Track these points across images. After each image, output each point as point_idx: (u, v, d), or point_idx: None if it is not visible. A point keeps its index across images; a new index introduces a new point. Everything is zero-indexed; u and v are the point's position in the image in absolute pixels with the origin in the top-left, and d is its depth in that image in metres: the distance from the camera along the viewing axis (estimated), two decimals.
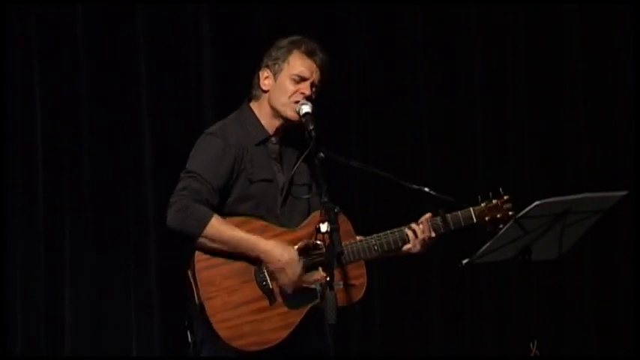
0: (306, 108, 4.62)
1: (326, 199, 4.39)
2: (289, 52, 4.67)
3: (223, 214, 4.55)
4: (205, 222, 4.46)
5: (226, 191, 4.59)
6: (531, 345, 4.81)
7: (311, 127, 4.57)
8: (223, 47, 6.51)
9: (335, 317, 4.26)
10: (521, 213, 4.70)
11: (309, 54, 4.66)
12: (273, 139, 4.70)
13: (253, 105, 4.73)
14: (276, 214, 4.63)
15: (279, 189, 4.66)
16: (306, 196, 4.67)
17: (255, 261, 4.53)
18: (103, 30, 6.33)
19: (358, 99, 6.83)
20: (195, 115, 6.44)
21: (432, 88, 6.97)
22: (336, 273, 4.40)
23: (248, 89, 4.78)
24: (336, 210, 4.38)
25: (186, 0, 6.46)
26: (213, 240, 4.48)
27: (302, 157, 4.65)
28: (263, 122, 4.70)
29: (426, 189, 4.80)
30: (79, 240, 6.24)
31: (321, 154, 4.59)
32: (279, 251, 4.50)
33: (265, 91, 4.70)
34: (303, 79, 4.65)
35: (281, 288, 4.52)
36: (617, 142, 7.23)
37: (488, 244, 4.74)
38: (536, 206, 4.69)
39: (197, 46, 6.48)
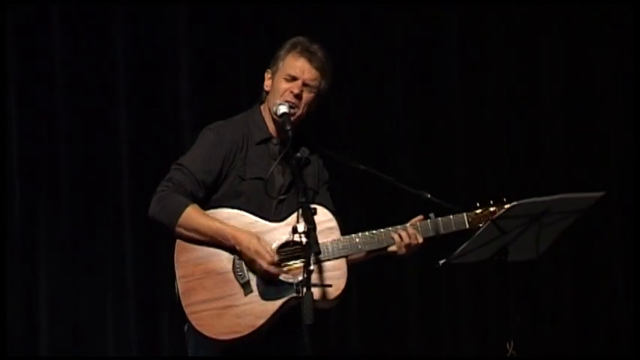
0: (283, 108, 4.62)
1: (303, 199, 4.39)
2: (287, 52, 4.70)
3: (210, 208, 4.57)
4: (180, 211, 4.49)
5: (216, 186, 4.60)
6: (508, 345, 4.82)
7: (288, 128, 4.57)
8: (201, 48, 6.52)
9: (312, 317, 4.26)
10: (499, 213, 4.70)
11: (302, 54, 4.67)
12: (274, 139, 4.70)
13: (262, 107, 4.75)
14: (269, 212, 4.62)
15: (276, 189, 4.65)
16: (302, 199, 4.61)
17: (233, 252, 4.53)
18: (80, 34, 6.32)
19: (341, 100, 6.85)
20: (172, 113, 6.44)
21: (411, 89, 6.98)
22: (315, 272, 4.40)
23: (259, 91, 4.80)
24: (313, 210, 4.37)
25: (164, 1, 6.46)
26: (188, 229, 4.51)
27: (278, 159, 4.64)
28: (268, 124, 4.71)
29: (428, 195, 4.79)
30: (55, 239, 6.23)
31: (298, 155, 4.61)
32: (253, 240, 4.49)
33: (267, 92, 4.73)
34: (294, 78, 4.65)
35: (257, 279, 4.51)
36: (597, 142, 7.26)
37: (465, 244, 4.74)
38: (513, 206, 4.69)
39: (174, 47, 6.47)
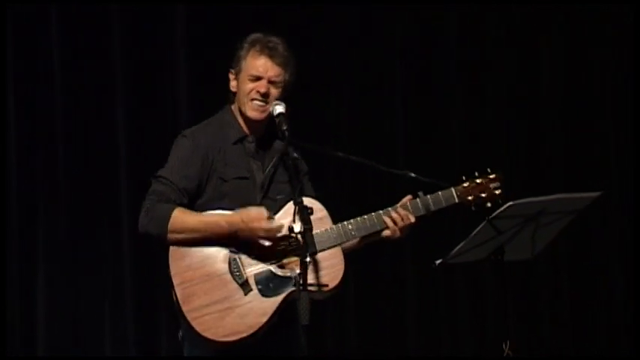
0: (280, 108, 4.62)
1: (299, 199, 4.39)
2: (247, 51, 4.68)
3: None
4: (168, 216, 4.48)
5: (199, 191, 4.60)
6: (504, 345, 4.82)
7: (284, 128, 4.57)
8: (200, 49, 6.52)
9: (308, 318, 4.25)
10: (495, 213, 4.70)
11: (263, 51, 4.66)
12: (249, 137, 4.70)
13: (233, 107, 4.75)
14: None
15: (258, 186, 4.66)
16: (281, 197, 4.64)
17: (228, 244, 4.52)
18: (78, 34, 6.33)
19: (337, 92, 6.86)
20: (171, 116, 6.44)
21: (410, 89, 6.98)
22: (311, 265, 4.39)
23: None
24: (309, 210, 4.37)
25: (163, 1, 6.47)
26: (180, 231, 4.49)
27: (275, 158, 4.65)
28: (240, 123, 4.71)
29: (412, 174, 4.77)
30: (53, 239, 6.24)
31: (295, 155, 4.61)
32: (244, 212, 4.47)
33: (235, 93, 4.72)
34: (258, 78, 4.66)
35: (255, 277, 4.50)
36: (596, 142, 7.26)
37: (461, 244, 4.75)
38: (509, 206, 4.69)
39: (173, 47, 6.48)
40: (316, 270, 4.46)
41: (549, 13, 7.23)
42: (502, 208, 4.68)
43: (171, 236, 4.49)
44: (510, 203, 4.69)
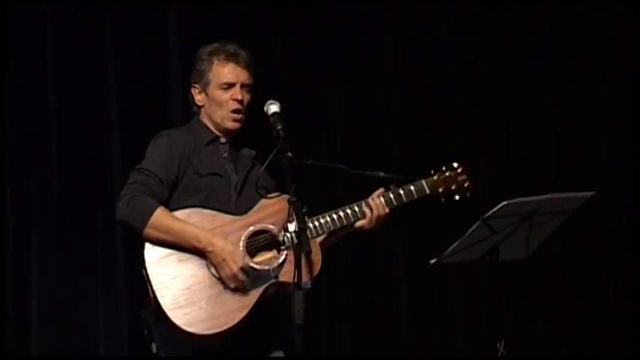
0: (274, 108, 4.62)
1: (294, 199, 4.38)
2: (211, 62, 4.71)
3: (171, 208, 4.56)
4: (150, 212, 4.48)
5: (176, 184, 4.62)
6: (498, 345, 4.83)
7: (279, 127, 4.57)
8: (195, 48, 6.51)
9: (303, 317, 4.25)
10: (489, 213, 4.71)
11: (229, 59, 4.69)
12: (222, 139, 4.73)
13: (200, 117, 4.77)
14: (230, 206, 4.63)
15: (232, 187, 4.66)
16: (294, 199, 4.60)
17: (202, 255, 4.52)
18: (72, 34, 6.32)
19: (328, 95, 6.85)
20: (163, 115, 6.44)
21: (403, 84, 6.98)
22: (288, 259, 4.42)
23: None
24: (304, 210, 4.37)
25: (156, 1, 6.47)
26: (158, 229, 4.48)
27: (271, 156, 4.63)
28: (211, 129, 4.74)
29: (381, 173, 4.78)
30: (46, 239, 6.22)
31: (289, 154, 4.61)
32: (229, 245, 4.49)
33: (201, 107, 4.76)
34: (231, 85, 4.68)
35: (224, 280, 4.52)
36: (593, 142, 7.28)
37: (455, 244, 4.75)
38: (503, 206, 4.70)
39: (166, 47, 6.48)
40: (295, 265, 4.46)
41: (549, 13, 7.22)
42: (496, 208, 4.70)
43: (148, 231, 4.49)
44: (504, 203, 4.70)
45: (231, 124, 4.69)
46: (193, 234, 4.51)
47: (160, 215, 4.50)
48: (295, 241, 4.32)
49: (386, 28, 6.99)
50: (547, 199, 4.82)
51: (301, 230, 4.31)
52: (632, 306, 7.12)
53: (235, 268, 4.46)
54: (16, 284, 6.16)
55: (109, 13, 6.38)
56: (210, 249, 4.48)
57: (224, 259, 4.47)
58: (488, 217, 4.70)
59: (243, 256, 4.49)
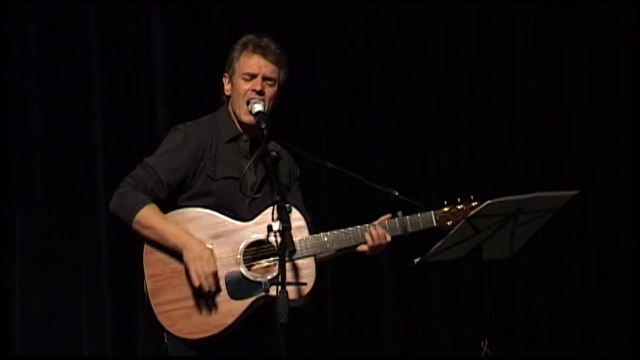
0: (258, 107, 4.64)
1: (278, 198, 4.39)
2: (240, 53, 4.73)
3: (181, 207, 4.59)
4: (138, 208, 4.52)
5: (184, 185, 4.61)
6: (482, 344, 4.83)
7: (263, 126, 4.58)
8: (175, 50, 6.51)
9: (287, 316, 4.26)
10: (473, 212, 4.71)
11: (255, 50, 4.69)
12: (244, 136, 4.72)
13: (228, 107, 4.77)
14: (242, 211, 4.62)
15: (248, 187, 4.65)
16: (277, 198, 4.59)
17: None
18: (54, 34, 6.30)
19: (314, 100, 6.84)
20: (147, 115, 6.43)
21: (386, 86, 6.98)
22: (287, 270, 4.40)
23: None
24: (287, 208, 4.37)
25: (139, 1, 6.44)
26: (144, 227, 4.53)
27: (254, 157, 4.64)
28: (235, 122, 4.74)
29: (396, 193, 4.80)
30: (29, 236, 6.21)
31: (274, 153, 4.62)
32: (196, 247, 4.50)
33: (229, 97, 4.75)
34: (252, 76, 4.67)
35: (226, 278, 4.51)
36: (572, 140, 7.29)
37: (440, 242, 4.75)
38: (487, 205, 4.70)
39: (149, 50, 6.46)
40: (288, 278, 4.47)
41: (548, 13, 7.23)
42: (480, 207, 4.70)
43: (136, 227, 4.55)
44: (488, 202, 4.70)
45: (245, 117, 4.67)
46: (174, 234, 4.51)
47: (146, 213, 4.51)
48: (279, 239, 4.33)
49: (363, 28, 6.99)
50: (530, 198, 4.82)
51: (285, 229, 4.31)
52: (617, 305, 7.14)
53: (200, 270, 4.46)
54: None
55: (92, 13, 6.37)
56: (185, 252, 4.50)
57: (194, 259, 4.48)
58: (472, 216, 4.70)
59: (238, 263, 4.50)
